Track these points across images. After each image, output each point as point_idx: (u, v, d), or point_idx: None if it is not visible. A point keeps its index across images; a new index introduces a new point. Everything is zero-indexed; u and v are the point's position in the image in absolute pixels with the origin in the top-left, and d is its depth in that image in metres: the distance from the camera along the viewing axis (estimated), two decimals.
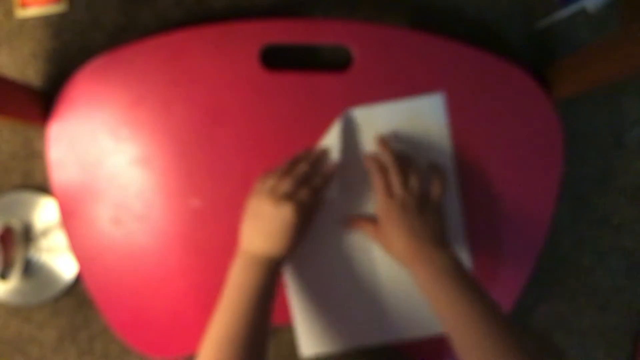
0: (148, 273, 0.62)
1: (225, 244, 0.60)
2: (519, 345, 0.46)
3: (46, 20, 0.67)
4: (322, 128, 0.60)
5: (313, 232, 0.59)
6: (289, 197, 0.54)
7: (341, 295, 0.60)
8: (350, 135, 0.60)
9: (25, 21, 0.67)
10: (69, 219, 0.61)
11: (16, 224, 0.63)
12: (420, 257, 0.52)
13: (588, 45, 0.62)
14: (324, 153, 0.60)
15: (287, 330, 0.64)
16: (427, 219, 0.54)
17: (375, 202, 0.57)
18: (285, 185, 0.55)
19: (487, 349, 0.46)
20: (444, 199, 0.57)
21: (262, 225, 0.54)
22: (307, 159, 0.59)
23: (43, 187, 0.67)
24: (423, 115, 0.60)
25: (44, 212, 0.66)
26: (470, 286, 0.50)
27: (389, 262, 0.59)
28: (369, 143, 0.61)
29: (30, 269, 0.66)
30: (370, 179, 0.59)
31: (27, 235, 0.65)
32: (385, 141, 0.59)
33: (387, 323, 0.61)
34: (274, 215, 0.53)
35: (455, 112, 0.61)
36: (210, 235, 0.61)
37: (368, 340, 0.61)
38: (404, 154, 0.59)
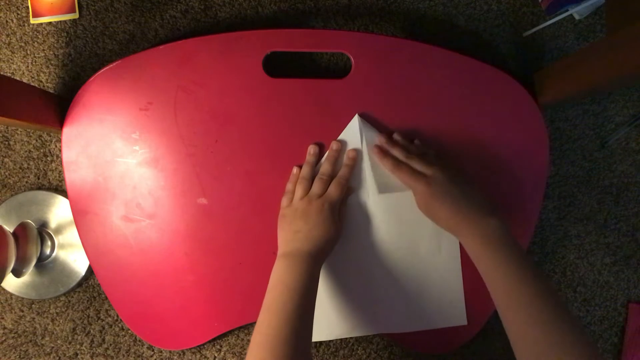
0: (157, 268, 0.64)
1: (230, 241, 0.63)
2: (564, 309, 0.45)
3: (59, 28, 0.70)
4: (323, 131, 0.63)
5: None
6: (320, 195, 0.58)
7: (342, 288, 0.64)
8: (367, 132, 0.63)
9: (38, 28, 0.70)
10: (82, 216, 0.63)
11: (31, 222, 0.66)
12: (465, 226, 0.53)
13: (574, 52, 0.63)
14: (340, 144, 0.62)
15: None
16: (462, 189, 0.55)
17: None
18: (315, 188, 0.58)
19: (535, 307, 0.45)
20: None
21: (300, 225, 0.56)
22: (327, 157, 0.61)
23: (57, 187, 0.70)
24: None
25: (58, 211, 0.68)
26: (519, 252, 0.50)
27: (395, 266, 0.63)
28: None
29: (45, 265, 0.68)
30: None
31: (42, 233, 0.67)
32: (381, 146, 0.61)
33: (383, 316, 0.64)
34: (309, 212, 0.56)
35: (446, 116, 0.64)
36: (216, 232, 0.64)
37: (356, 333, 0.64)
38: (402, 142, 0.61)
